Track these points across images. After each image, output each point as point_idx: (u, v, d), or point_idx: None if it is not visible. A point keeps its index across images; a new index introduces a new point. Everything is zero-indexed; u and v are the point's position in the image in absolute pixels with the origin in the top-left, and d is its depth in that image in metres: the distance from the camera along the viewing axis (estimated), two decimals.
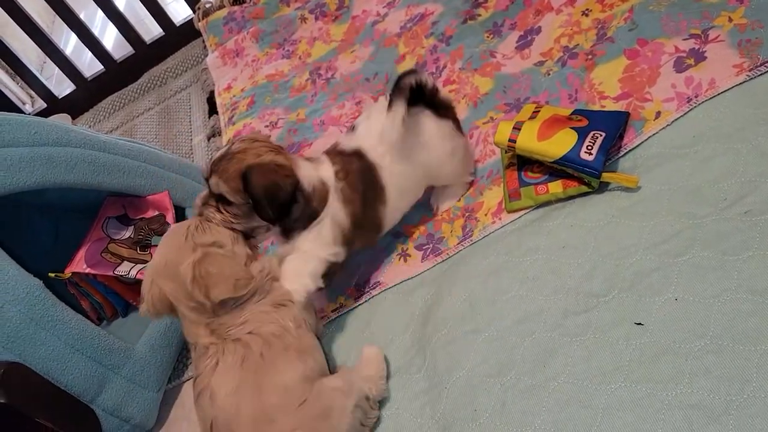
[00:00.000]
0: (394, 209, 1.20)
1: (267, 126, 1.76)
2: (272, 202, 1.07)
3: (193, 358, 1.09)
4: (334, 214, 1.13)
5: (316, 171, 1.13)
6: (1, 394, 0.98)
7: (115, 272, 1.35)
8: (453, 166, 1.24)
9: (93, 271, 1.34)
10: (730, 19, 1.18)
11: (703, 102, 1.11)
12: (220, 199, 1.10)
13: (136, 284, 1.41)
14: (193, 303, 1.04)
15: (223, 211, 1.10)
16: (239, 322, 1.06)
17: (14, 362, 1.08)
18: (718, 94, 1.10)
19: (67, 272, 1.34)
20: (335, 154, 1.18)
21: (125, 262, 1.38)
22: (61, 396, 1.15)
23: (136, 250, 1.41)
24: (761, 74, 1.08)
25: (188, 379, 1.38)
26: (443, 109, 1.20)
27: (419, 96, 1.14)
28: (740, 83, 1.09)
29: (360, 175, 1.15)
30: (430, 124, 1.18)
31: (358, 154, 1.16)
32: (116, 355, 1.26)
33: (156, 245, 1.39)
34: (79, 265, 1.34)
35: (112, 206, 1.45)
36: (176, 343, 1.40)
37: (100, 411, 1.22)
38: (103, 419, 1.23)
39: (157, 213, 1.44)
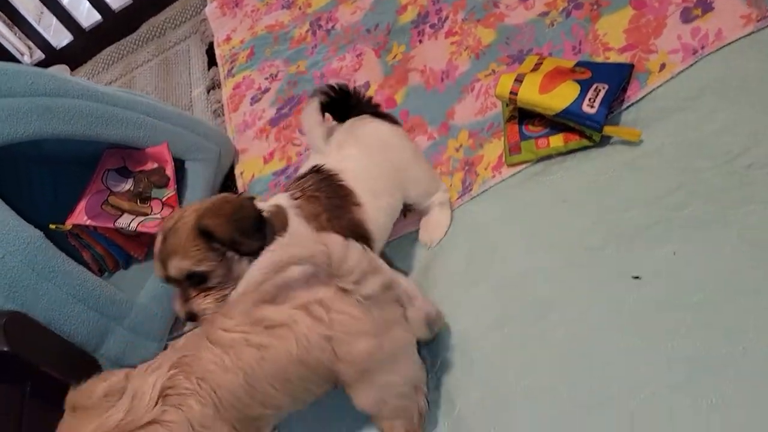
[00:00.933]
0: (374, 209, 1.07)
1: (267, 78, 1.74)
2: (246, 231, 0.95)
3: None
4: (297, 230, 1.01)
5: (266, 201, 1.04)
6: (3, 342, 0.99)
7: (116, 224, 1.35)
8: (420, 168, 1.17)
9: (94, 223, 1.34)
10: None
11: (709, 54, 1.09)
12: (194, 283, 0.96)
13: (137, 236, 1.41)
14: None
15: (207, 292, 0.97)
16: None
17: (16, 311, 1.08)
18: (725, 45, 1.08)
19: (68, 224, 1.33)
20: (287, 184, 1.11)
21: (125, 214, 1.38)
22: (65, 345, 1.16)
23: (136, 203, 1.40)
24: None
25: (189, 331, 1.40)
26: (389, 118, 1.17)
27: (359, 106, 1.12)
28: (747, 34, 1.07)
29: (317, 186, 1.06)
30: (382, 127, 1.13)
31: (313, 171, 1.08)
32: (118, 306, 1.27)
33: (156, 197, 1.40)
34: (79, 216, 1.34)
35: (112, 158, 1.44)
36: None
37: (103, 361, 1.24)
38: (106, 369, 1.25)
39: (156, 165, 1.43)
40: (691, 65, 1.09)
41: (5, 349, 0.99)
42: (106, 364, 1.24)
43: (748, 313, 0.83)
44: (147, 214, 1.39)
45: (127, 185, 1.42)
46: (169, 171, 1.41)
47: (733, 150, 0.96)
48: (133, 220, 1.37)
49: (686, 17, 1.15)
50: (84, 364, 1.18)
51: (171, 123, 1.44)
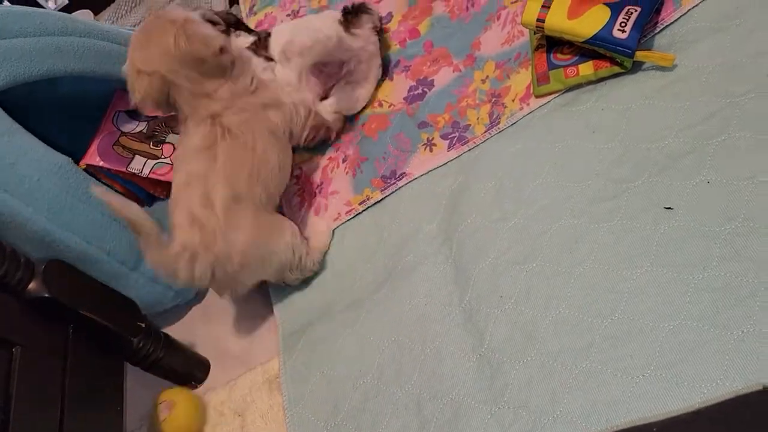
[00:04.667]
0: None
1: (288, 15, 1.71)
2: None
3: (181, 131, 1.21)
4: None
5: None
6: (44, 289, 1.03)
7: (128, 169, 1.38)
8: None
9: (106, 165, 1.36)
10: None
11: None
12: None
13: None
14: (185, 70, 1.14)
15: None
16: (233, 106, 1.17)
17: (55, 259, 1.13)
18: None
19: (82, 164, 1.36)
20: None
21: (137, 156, 1.40)
22: (103, 289, 1.20)
23: (149, 145, 1.41)
24: None
25: None
26: None
27: None
28: None
29: None
30: None
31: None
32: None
33: (170, 142, 1.41)
34: (92, 157, 1.37)
35: (122, 100, 1.44)
36: None
37: (144, 279, 1.29)
38: (149, 288, 1.31)
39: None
40: None
41: (46, 295, 1.03)
42: (147, 283, 1.30)
43: None
44: (158, 158, 1.40)
45: (139, 127, 1.43)
46: None
47: None
48: (145, 163, 1.39)
49: None
50: (122, 307, 1.22)
51: None
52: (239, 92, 1.19)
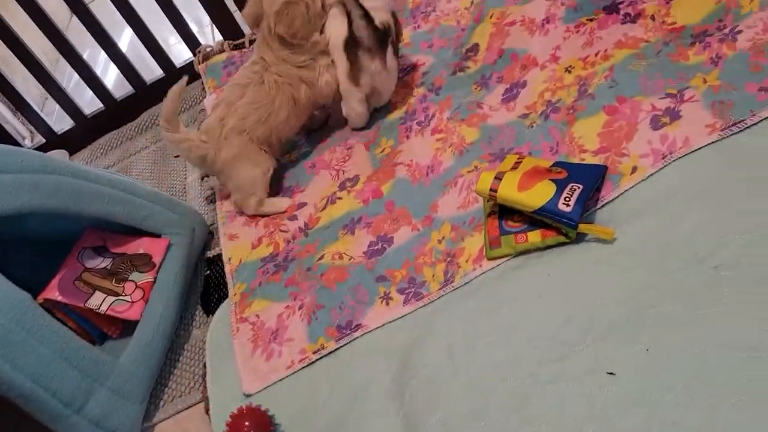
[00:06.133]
0: None
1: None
2: None
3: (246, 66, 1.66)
4: None
5: None
6: None
7: (86, 304, 1.37)
8: None
9: (65, 300, 1.36)
10: (705, 81, 1.23)
11: (677, 159, 1.15)
12: None
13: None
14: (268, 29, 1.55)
15: None
16: (281, 67, 1.58)
17: None
18: (692, 152, 1.15)
19: (40, 298, 1.35)
20: None
21: (97, 292, 1.40)
22: None
23: (111, 281, 1.43)
24: (732, 134, 1.13)
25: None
26: None
27: None
28: (712, 142, 1.14)
29: None
30: None
31: None
32: (102, 367, 1.29)
33: (133, 280, 1.43)
34: (51, 292, 1.36)
35: (90, 237, 1.47)
36: (158, 358, 1.43)
37: (86, 422, 1.24)
38: (89, 431, 1.25)
39: (143, 251, 1.47)
40: (660, 169, 1.15)
41: None
42: (89, 426, 1.25)
43: (718, 413, 0.84)
44: (119, 295, 1.42)
45: (104, 263, 1.45)
46: (157, 260, 1.44)
47: (701, 252, 1.00)
48: (104, 300, 1.39)
49: (655, 124, 1.22)
50: None
51: (150, 200, 1.51)
52: (292, 61, 1.57)
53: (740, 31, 1.27)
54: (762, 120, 1.12)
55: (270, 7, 1.51)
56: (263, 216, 1.63)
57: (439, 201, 1.40)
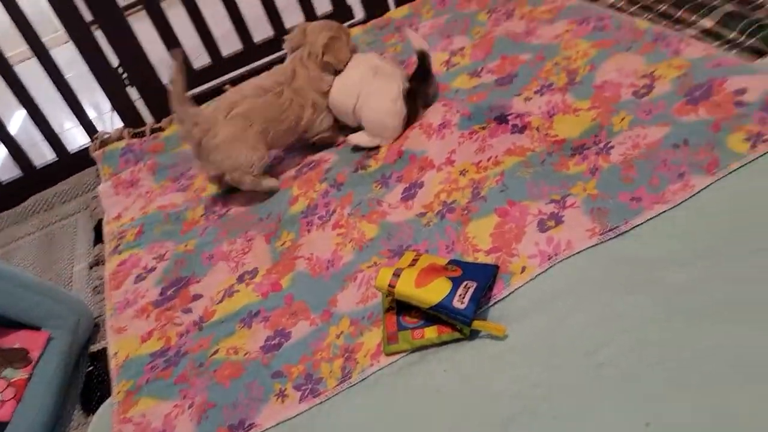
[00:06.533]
0: None
1: (155, 258, 1.75)
2: None
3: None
4: None
5: None
6: None
7: None
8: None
9: None
10: (584, 189, 1.35)
11: (561, 260, 1.23)
12: None
13: None
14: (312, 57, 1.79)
15: None
16: (302, 86, 1.78)
17: None
18: (575, 254, 1.23)
19: None
20: None
21: None
22: None
23: None
24: (609, 239, 1.23)
25: None
26: None
27: None
28: (592, 246, 1.23)
29: None
30: None
31: None
32: None
33: (4, 377, 1.33)
34: None
35: None
36: None
37: None
38: None
39: (18, 345, 1.37)
40: (547, 269, 1.23)
41: None
42: None
43: None
44: None
45: None
46: (34, 356, 1.35)
47: (585, 350, 1.06)
48: None
49: (542, 227, 1.31)
50: None
51: (32, 291, 1.43)
52: (313, 85, 1.79)
53: (613, 147, 1.42)
54: (634, 227, 1.23)
55: (316, 40, 1.76)
56: (261, 191, 1.80)
57: (339, 295, 1.41)
